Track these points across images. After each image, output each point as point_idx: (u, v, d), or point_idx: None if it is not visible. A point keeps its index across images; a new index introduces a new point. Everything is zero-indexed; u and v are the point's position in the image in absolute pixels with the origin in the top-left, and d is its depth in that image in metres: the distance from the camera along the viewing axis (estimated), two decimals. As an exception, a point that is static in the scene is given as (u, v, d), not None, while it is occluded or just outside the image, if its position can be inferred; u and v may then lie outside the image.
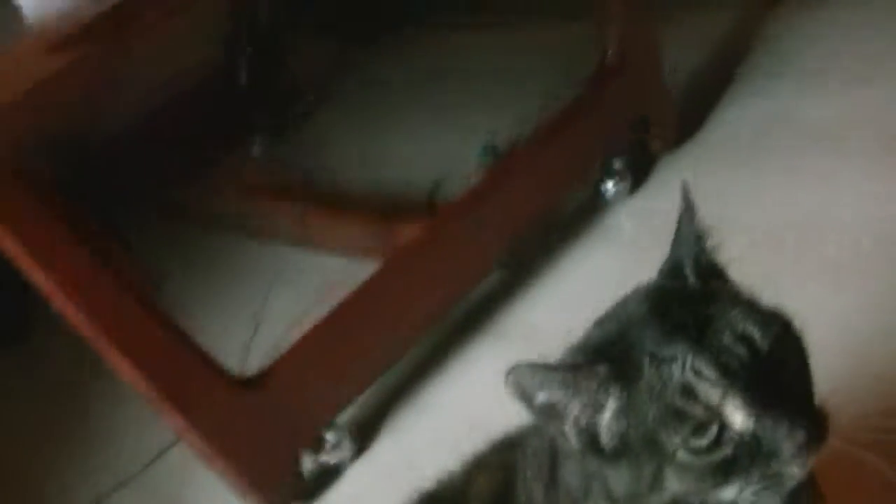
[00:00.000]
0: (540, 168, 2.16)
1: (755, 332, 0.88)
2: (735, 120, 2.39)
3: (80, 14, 1.52)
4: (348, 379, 1.93)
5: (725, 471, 0.86)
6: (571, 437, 0.91)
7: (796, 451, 0.85)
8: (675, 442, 0.86)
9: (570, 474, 0.96)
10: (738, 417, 0.85)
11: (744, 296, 0.95)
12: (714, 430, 0.85)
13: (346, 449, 1.95)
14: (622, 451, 0.89)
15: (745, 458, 0.86)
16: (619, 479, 0.90)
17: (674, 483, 0.87)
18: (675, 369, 0.86)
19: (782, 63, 2.49)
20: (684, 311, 0.90)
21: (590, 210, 2.31)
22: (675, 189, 2.22)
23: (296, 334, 1.96)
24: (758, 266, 1.88)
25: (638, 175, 2.30)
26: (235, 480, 1.81)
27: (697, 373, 0.85)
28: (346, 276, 2.34)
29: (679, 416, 0.86)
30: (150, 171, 3.02)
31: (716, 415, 0.85)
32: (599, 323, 0.98)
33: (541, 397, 0.90)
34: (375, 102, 3.32)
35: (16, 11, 1.62)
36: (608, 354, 0.91)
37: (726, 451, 0.85)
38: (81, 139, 2.77)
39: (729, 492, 0.87)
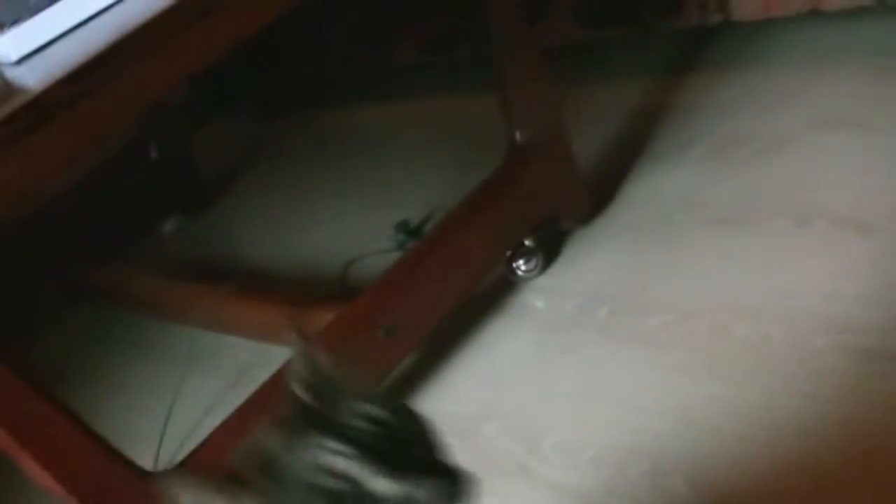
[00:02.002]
0: (453, 253, 2.16)
1: (376, 409, 0.93)
2: (645, 196, 2.41)
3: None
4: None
5: None
6: None
7: (442, 498, 0.90)
8: None
9: None
10: (380, 483, 0.88)
11: (357, 389, 0.98)
12: (366, 501, 0.89)
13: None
14: None
15: None
16: None
17: None
18: (311, 454, 0.90)
19: (693, 134, 2.52)
20: (308, 414, 0.94)
21: (501, 289, 2.32)
22: (586, 266, 2.26)
23: (210, 427, 1.94)
24: (670, 350, 1.92)
25: (549, 253, 2.32)
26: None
27: (333, 452, 0.89)
28: (262, 359, 2.35)
29: (327, 497, 0.89)
30: (59, 253, 3.00)
31: (360, 486, 0.88)
32: None
33: None
34: (287, 180, 3.33)
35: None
36: (255, 463, 0.94)
37: None
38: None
39: None
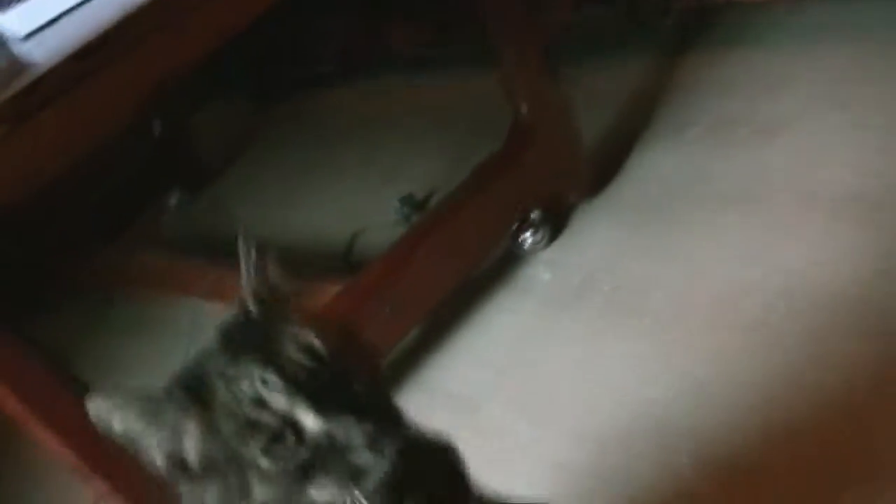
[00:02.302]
0: (459, 226, 2.18)
1: (315, 343, 0.94)
2: (647, 174, 2.41)
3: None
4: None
5: (306, 471, 0.91)
6: (158, 461, 0.95)
7: (367, 441, 0.90)
8: (255, 452, 0.91)
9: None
10: (308, 419, 0.90)
11: (306, 316, 0.99)
12: (291, 435, 0.90)
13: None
14: (209, 469, 0.94)
15: (323, 456, 0.91)
16: (210, 495, 0.95)
17: (260, 490, 0.92)
18: (246, 384, 0.91)
19: (694, 113, 2.52)
20: (249, 335, 0.95)
21: (507, 262, 2.33)
22: (590, 241, 2.26)
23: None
24: (672, 327, 1.93)
25: (554, 227, 2.33)
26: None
27: (266, 383, 0.90)
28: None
29: (255, 426, 0.90)
30: (61, 234, 3.00)
31: (288, 420, 0.90)
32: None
33: (118, 425, 0.94)
34: (288, 160, 3.33)
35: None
36: (186, 384, 0.95)
37: (304, 453, 0.90)
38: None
39: (315, 492, 0.92)
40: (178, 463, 0.94)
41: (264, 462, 0.91)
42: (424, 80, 3.25)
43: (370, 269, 2.14)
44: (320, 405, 0.90)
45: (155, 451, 0.94)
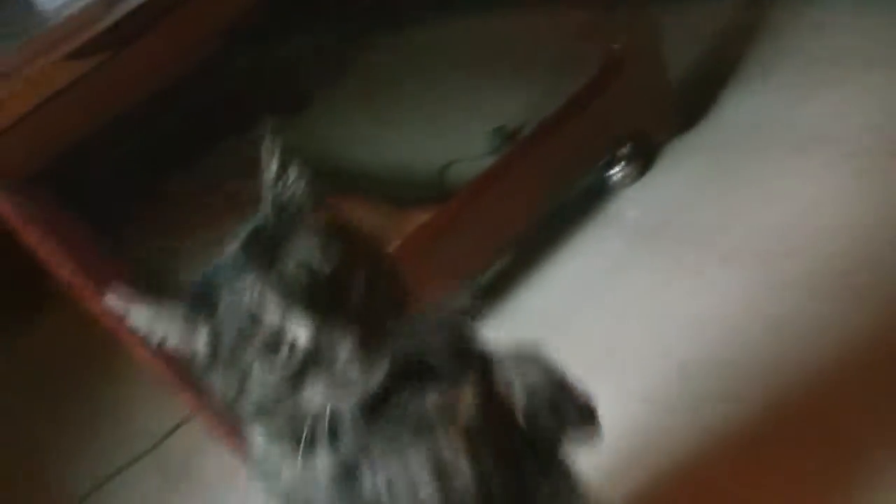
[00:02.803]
0: (547, 157, 2.19)
1: (314, 258, 0.97)
2: (734, 116, 2.40)
3: (94, 19, 1.56)
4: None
5: (297, 378, 0.97)
6: (173, 345, 1.02)
7: (349, 354, 0.95)
8: (250, 359, 0.97)
9: None
10: (298, 332, 0.94)
11: (319, 225, 1.01)
12: (285, 346, 0.95)
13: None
14: (214, 364, 1.00)
15: (311, 366, 0.96)
16: (216, 384, 1.01)
17: (256, 390, 0.98)
18: (246, 296, 0.96)
19: (782, 55, 2.50)
20: (260, 244, 0.99)
21: (595, 196, 2.35)
22: (675, 180, 2.26)
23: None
24: (750, 269, 1.91)
25: (642, 164, 2.34)
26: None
27: (262, 298, 0.95)
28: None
29: (250, 337, 0.96)
30: (152, 159, 3.05)
31: (281, 333, 0.95)
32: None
33: (135, 320, 1.00)
34: (381, 90, 3.34)
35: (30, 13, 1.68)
36: (202, 286, 1.01)
37: (295, 361, 0.96)
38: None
39: (307, 396, 0.98)
40: (191, 355, 1.01)
41: (258, 369, 0.97)
42: (513, 13, 3.24)
43: (460, 196, 2.17)
44: (312, 320, 0.95)
45: (170, 344, 1.01)
